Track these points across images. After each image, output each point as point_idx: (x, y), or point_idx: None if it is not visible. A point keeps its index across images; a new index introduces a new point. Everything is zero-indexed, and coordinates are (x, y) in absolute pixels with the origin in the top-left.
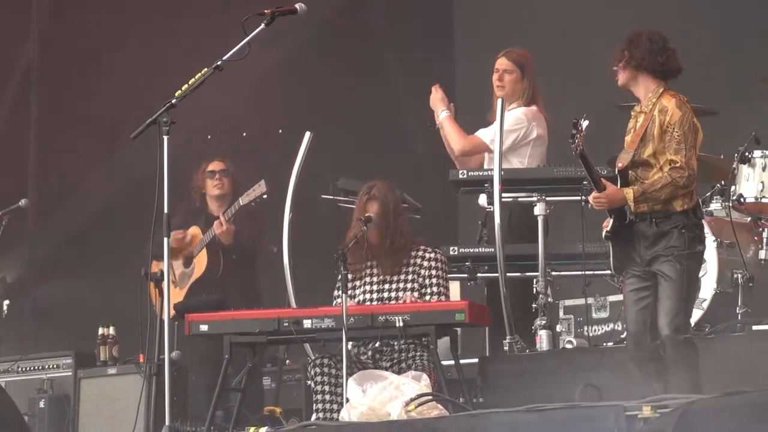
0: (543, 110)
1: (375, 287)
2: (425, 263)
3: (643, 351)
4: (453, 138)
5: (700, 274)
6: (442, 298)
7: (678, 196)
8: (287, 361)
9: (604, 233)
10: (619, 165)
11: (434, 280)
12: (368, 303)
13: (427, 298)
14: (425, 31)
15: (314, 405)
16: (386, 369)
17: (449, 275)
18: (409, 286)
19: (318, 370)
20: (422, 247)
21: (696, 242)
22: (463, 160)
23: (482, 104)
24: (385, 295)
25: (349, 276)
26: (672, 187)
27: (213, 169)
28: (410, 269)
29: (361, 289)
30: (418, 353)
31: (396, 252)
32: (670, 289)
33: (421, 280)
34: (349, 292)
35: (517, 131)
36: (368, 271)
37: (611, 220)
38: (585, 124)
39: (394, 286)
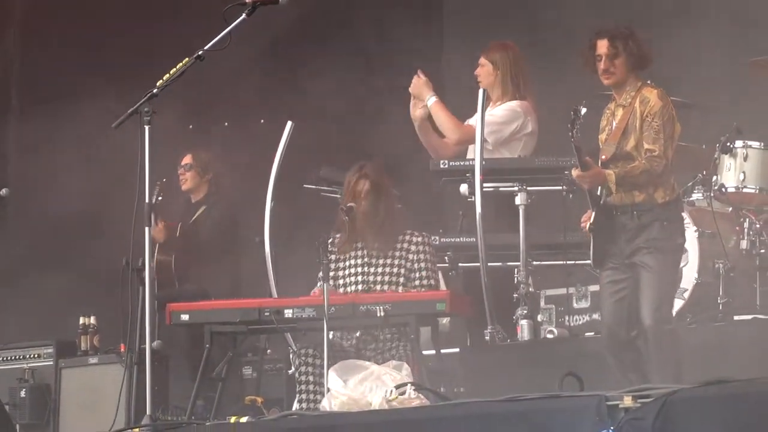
0: (535, 106)
1: (360, 269)
2: (413, 247)
3: (618, 342)
4: (448, 127)
5: (682, 264)
6: (432, 282)
7: (659, 187)
8: (268, 351)
9: (588, 226)
10: (603, 157)
11: (422, 264)
12: (351, 286)
13: (416, 283)
14: (411, 18)
15: (298, 395)
16: (369, 358)
17: None
18: (395, 270)
19: (302, 359)
20: (408, 231)
21: (677, 234)
22: (456, 149)
23: (470, 93)
24: (370, 278)
25: (332, 257)
26: (649, 174)
27: (181, 164)
28: (397, 254)
29: (346, 272)
30: (401, 343)
31: (385, 234)
32: (652, 280)
33: (409, 265)
34: (332, 273)
35: (513, 124)
36: (353, 253)
37: (593, 214)
38: (584, 111)
39: (379, 270)
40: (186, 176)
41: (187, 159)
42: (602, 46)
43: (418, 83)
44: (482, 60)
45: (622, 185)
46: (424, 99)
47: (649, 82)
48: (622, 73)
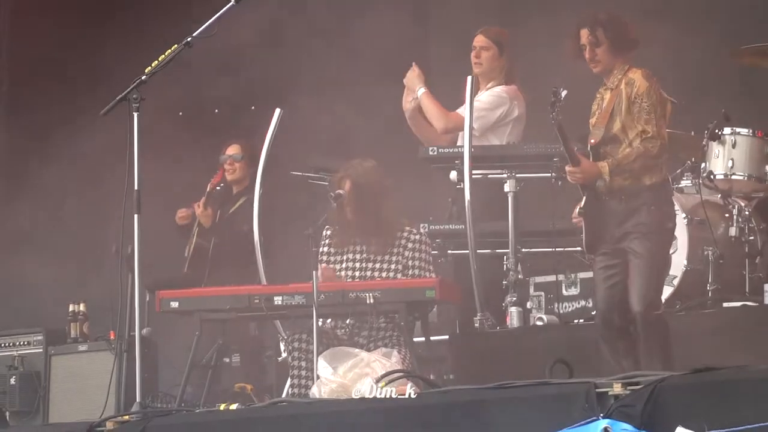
0: (521, 89)
1: (358, 265)
2: (410, 244)
3: (612, 328)
4: (434, 116)
5: (671, 251)
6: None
7: (648, 170)
8: None
9: (577, 210)
10: (592, 141)
11: (417, 262)
12: (349, 279)
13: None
14: (399, 5)
15: (290, 380)
16: (362, 345)
17: None
18: (393, 267)
19: (295, 345)
20: (407, 228)
21: (666, 219)
22: (443, 137)
23: (457, 80)
24: (368, 274)
25: (332, 250)
26: (645, 158)
27: (227, 154)
28: (395, 250)
29: (344, 265)
30: (394, 332)
31: (381, 232)
32: (641, 266)
33: (404, 261)
34: (330, 265)
35: (499, 109)
36: (352, 248)
37: (584, 198)
38: (564, 93)
39: (377, 266)
40: (235, 166)
41: (235, 149)
42: (584, 35)
43: (412, 75)
44: (484, 43)
45: (619, 174)
46: (415, 90)
47: (643, 69)
48: (606, 60)
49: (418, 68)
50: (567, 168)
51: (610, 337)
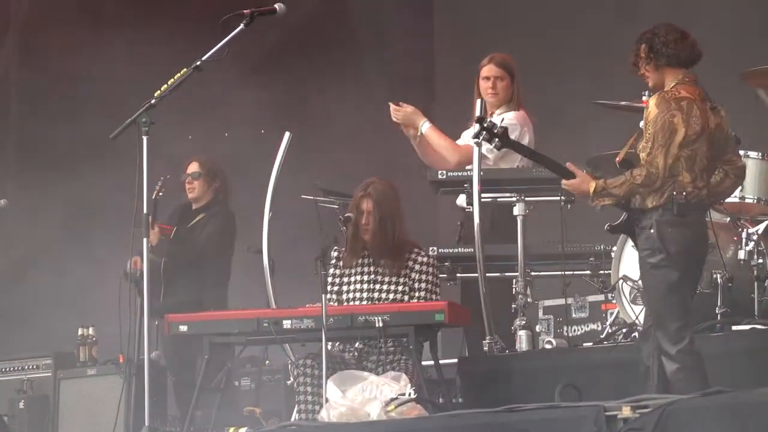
0: (529, 114)
1: (365, 286)
2: (416, 266)
3: (649, 344)
4: (445, 150)
5: None
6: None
7: (646, 196)
8: (267, 362)
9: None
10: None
11: (423, 284)
12: (356, 301)
13: (415, 300)
14: (405, 32)
15: (296, 405)
16: (370, 369)
17: None
18: (400, 288)
19: (301, 370)
20: (416, 250)
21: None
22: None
23: (461, 104)
24: (375, 295)
25: (338, 272)
26: (629, 185)
27: (187, 172)
28: (403, 272)
29: (352, 287)
30: (404, 356)
31: (393, 252)
32: (650, 303)
33: (411, 283)
34: (336, 288)
35: (510, 136)
36: (360, 269)
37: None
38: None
39: (384, 287)
40: (194, 185)
41: (194, 167)
42: (641, 50)
43: (405, 113)
44: (498, 73)
45: (601, 197)
46: (416, 126)
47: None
48: (652, 76)
49: (400, 105)
50: (562, 181)
51: (649, 352)
